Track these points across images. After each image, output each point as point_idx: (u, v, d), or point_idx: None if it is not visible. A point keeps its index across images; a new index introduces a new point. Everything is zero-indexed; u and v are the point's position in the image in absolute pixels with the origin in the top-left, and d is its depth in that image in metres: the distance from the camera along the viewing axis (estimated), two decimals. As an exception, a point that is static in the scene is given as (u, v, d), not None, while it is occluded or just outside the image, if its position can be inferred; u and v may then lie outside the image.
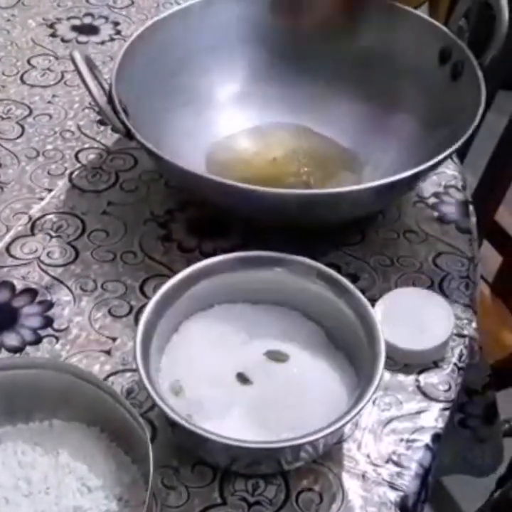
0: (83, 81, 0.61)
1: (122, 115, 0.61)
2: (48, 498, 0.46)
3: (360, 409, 0.47)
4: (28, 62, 0.84)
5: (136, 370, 0.48)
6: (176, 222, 0.67)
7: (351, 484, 0.51)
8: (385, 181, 0.58)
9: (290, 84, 0.74)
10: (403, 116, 0.70)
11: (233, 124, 0.73)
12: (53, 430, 0.50)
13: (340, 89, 0.73)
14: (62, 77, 0.82)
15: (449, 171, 0.73)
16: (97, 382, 0.48)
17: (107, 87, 0.63)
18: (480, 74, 0.64)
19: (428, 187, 0.71)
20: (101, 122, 0.76)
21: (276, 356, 0.53)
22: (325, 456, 0.52)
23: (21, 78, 0.82)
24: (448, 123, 0.64)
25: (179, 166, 0.58)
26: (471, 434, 0.69)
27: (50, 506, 0.46)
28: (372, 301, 0.57)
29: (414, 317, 0.59)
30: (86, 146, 0.74)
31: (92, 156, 0.73)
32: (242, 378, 0.52)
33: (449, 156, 0.61)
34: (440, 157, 0.59)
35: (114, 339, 0.58)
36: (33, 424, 0.50)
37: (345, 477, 0.51)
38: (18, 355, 0.57)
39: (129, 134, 0.61)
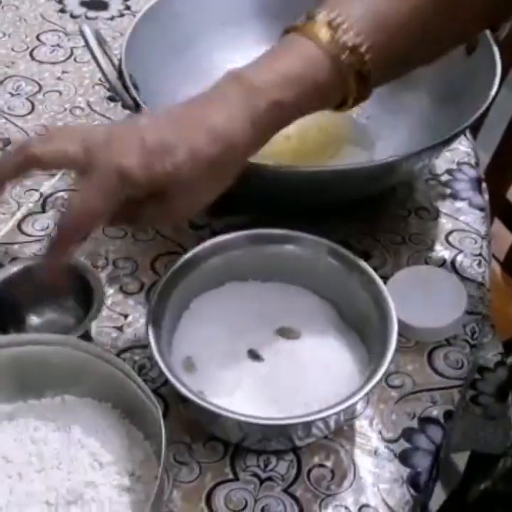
0: (93, 55, 0.60)
1: (132, 91, 0.60)
2: (61, 474, 0.46)
3: (372, 387, 0.47)
4: (37, 38, 0.83)
5: (148, 346, 0.48)
6: (187, 199, 0.66)
7: (363, 460, 0.51)
8: (397, 158, 0.57)
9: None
10: (416, 91, 0.69)
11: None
12: (65, 406, 0.50)
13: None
14: (72, 53, 0.81)
15: (463, 147, 0.72)
16: (109, 358, 0.48)
17: (116, 62, 0.62)
18: (495, 48, 0.63)
19: (441, 164, 0.70)
20: (111, 98, 0.76)
21: (287, 333, 0.53)
22: (337, 433, 0.52)
23: (31, 54, 0.81)
24: (461, 98, 0.64)
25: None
26: (482, 411, 0.68)
27: (63, 482, 0.46)
28: (385, 278, 0.57)
29: (427, 295, 0.58)
30: (96, 122, 0.74)
31: (102, 133, 0.72)
32: (254, 355, 0.51)
33: (462, 133, 0.60)
34: (453, 133, 0.58)
35: (125, 316, 0.58)
36: (45, 400, 0.50)
37: (357, 453, 0.51)
38: (30, 331, 0.57)
39: (139, 110, 0.60)
